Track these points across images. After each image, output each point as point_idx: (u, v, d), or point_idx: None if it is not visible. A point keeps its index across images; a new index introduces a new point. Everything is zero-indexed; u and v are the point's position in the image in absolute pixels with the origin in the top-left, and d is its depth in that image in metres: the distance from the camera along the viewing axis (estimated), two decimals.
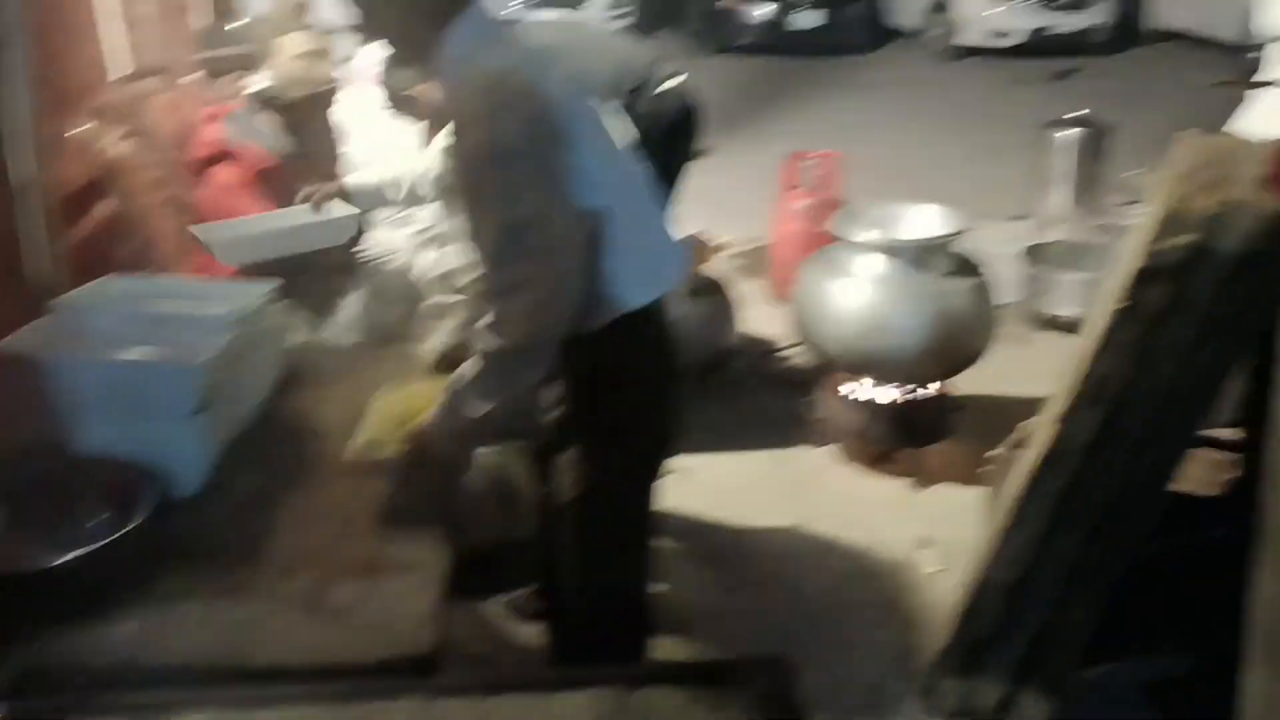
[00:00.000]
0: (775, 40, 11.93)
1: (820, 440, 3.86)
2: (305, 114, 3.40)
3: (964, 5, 12.01)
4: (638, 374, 2.04)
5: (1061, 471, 2.35)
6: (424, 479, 1.93)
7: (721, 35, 11.93)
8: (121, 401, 1.89)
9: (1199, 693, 2.50)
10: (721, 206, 5.86)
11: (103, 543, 1.69)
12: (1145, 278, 2.16)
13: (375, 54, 3.90)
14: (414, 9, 1.83)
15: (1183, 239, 2.11)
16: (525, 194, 1.74)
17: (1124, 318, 2.21)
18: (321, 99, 3.45)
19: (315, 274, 3.31)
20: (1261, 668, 2.12)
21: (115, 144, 3.35)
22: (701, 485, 3.55)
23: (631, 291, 1.95)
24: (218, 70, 4.24)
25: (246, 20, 5.12)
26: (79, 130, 3.21)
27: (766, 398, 4.24)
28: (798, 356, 4.26)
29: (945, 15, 12.23)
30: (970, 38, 12.00)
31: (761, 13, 11.93)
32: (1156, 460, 2.30)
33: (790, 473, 3.75)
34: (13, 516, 1.81)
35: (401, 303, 3.33)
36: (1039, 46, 11.83)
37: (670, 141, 3.59)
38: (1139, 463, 2.31)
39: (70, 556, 1.66)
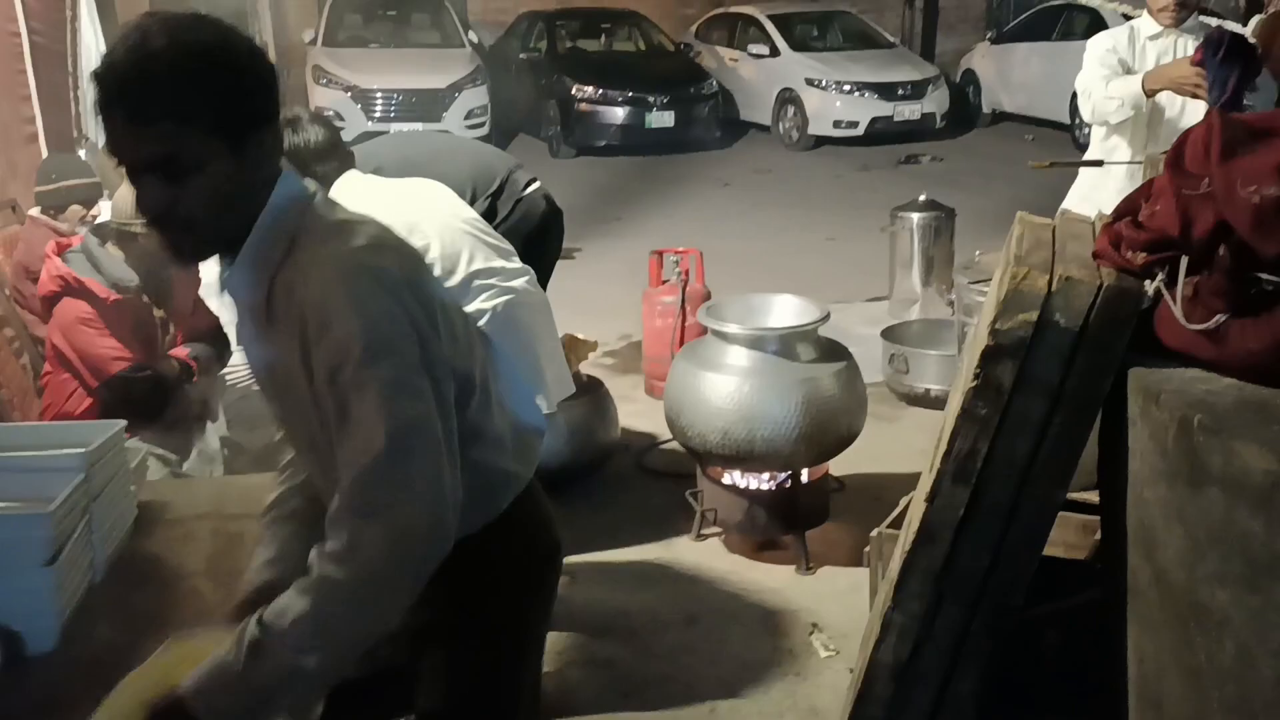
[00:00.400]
0: (633, 140, 12.24)
1: (705, 531, 3.87)
2: (152, 245, 3.31)
3: (811, 98, 12.56)
4: (524, 561, 1.81)
5: (936, 549, 2.40)
6: None
7: (580, 138, 12.19)
8: None
9: None
10: (591, 304, 5.93)
11: None
12: (991, 356, 2.25)
13: None
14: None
15: (1022, 317, 2.21)
16: (406, 390, 1.44)
17: (976, 395, 2.29)
18: None
19: (175, 407, 3.21)
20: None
21: None
22: (589, 585, 3.51)
23: (515, 474, 1.76)
24: (57, 203, 4.13)
25: (82, 151, 5.05)
26: None
27: (649, 492, 4.26)
28: (677, 448, 4.30)
29: (794, 109, 12.76)
30: (819, 128, 12.53)
31: (618, 115, 12.24)
32: (1026, 529, 2.37)
33: (678, 566, 3.74)
34: None
35: (265, 427, 3.25)
36: (884, 134, 12.42)
37: (535, 244, 3.64)
38: (1009, 533, 2.37)
39: None
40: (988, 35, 14.74)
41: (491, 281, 2.97)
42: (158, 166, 1.44)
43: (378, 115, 11.72)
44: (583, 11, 14.66)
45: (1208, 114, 2.42)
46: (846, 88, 12.54)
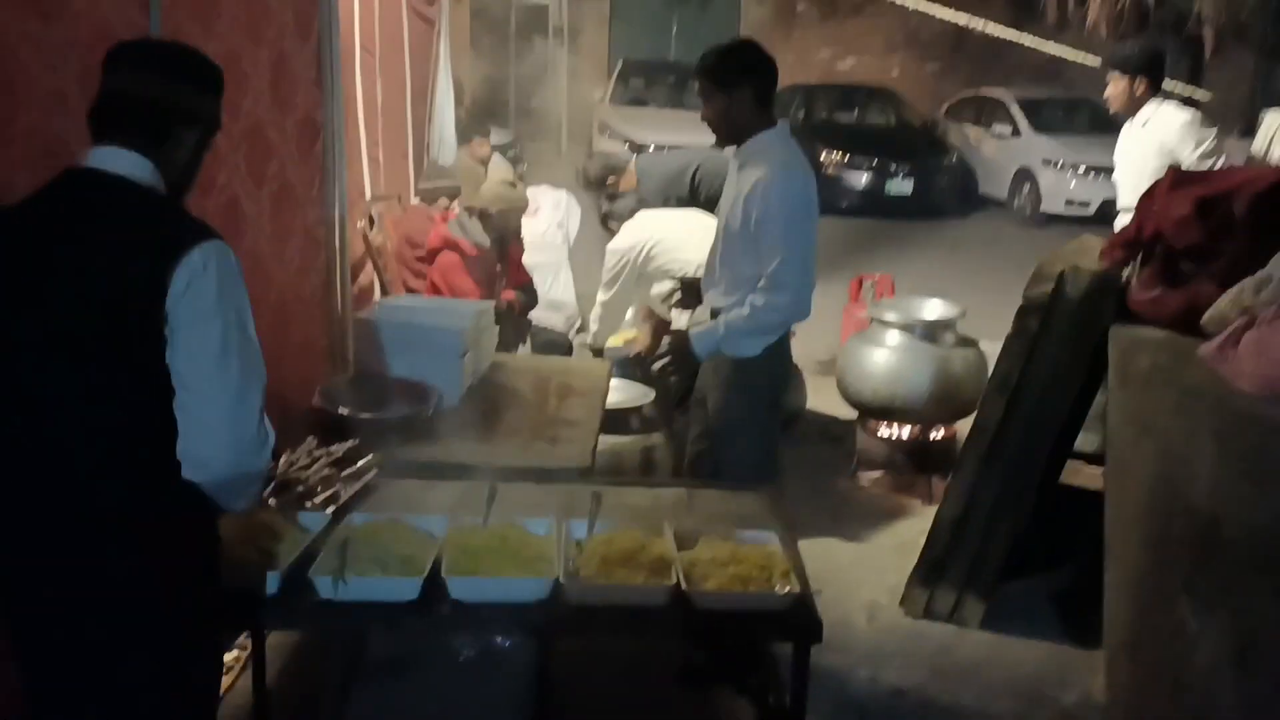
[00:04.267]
0: (874, 204, 13.48)
1: (859, 472, 5.14)
2: (502, 222, 4.99)
3: (1046, 177, 13.45)
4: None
5: (983, 438, 3.66)
6: None
7: (824, 199, 13.48)
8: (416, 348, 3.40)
9: (1084, 601, 3.68)
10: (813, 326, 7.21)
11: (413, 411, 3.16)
12: (1023, 312, 3.51)
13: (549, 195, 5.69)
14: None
15: (1042, 288, 3.47)
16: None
17: (1014, 336, 3.55)
18: (515, 213, 5.05)
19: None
20: (1109, 570, 3.33)
21: (375, 236, 4.99)
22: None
23: None
24: (430, 196, 5.93)
25: (448, 162, 6.90)
26: (359, 226, 4.86)
27: (822, 444, 5.55)
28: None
29: (1030, 186, 13.66)
30: (1052, 205, 13.38)
31: (861, 180, 13.53)
32: (1046, 427, 3.59)
33: (836, 498, 5.02)
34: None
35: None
36: (1115, 215, 13.09)
37: None
38: (1032, 431, 3.60)
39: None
40: (1230, 135, 15.12)
41: None
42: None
43: None
44: (840, 86, 16.13)
45: (1170, 168, 3.57)
46: (1081, 169, 13.33)
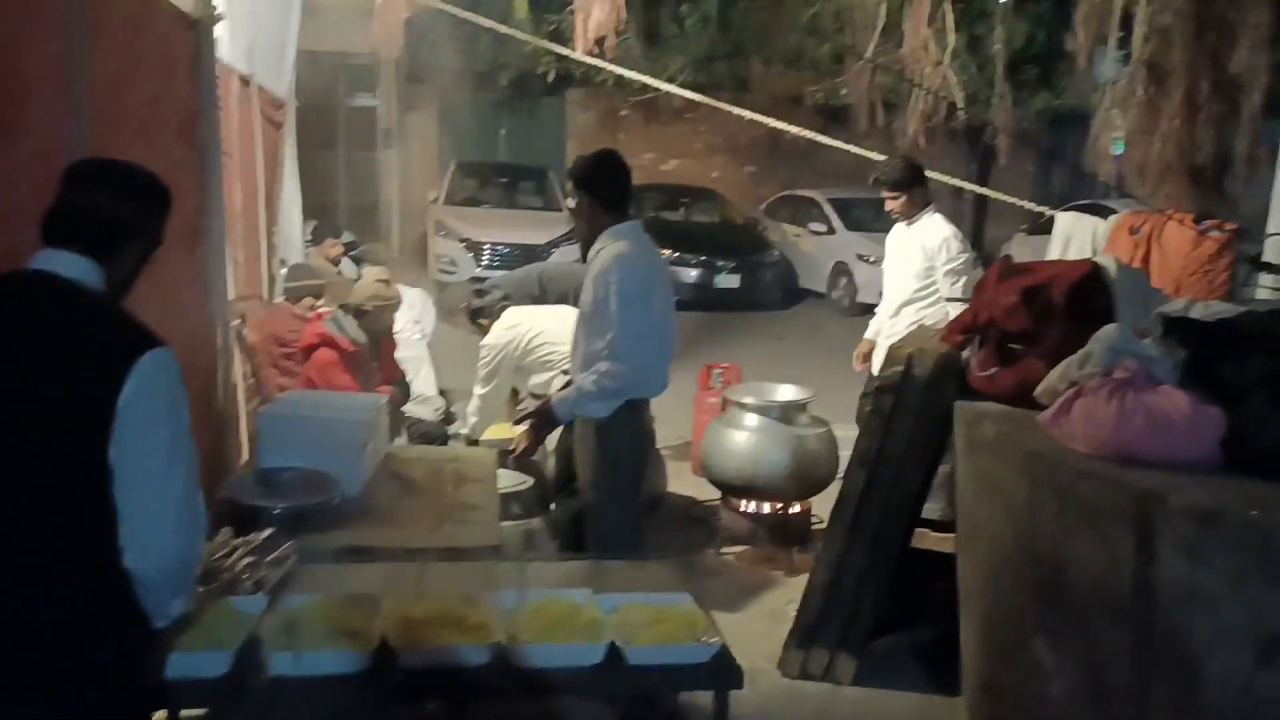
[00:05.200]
0: (704, 297, 14.12)
1: (723, 547, 5.44)
2: (377, 319, 5.14)
3: (861, 271, 14.40)
4: None
5: (847, 510, 4.01)
6: None
7: None
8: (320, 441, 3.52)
9: (944, 653, 4.04)
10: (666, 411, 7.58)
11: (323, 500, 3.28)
12: (878, 391, 3.91)
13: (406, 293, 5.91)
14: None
15: (895, 369, 3.88)
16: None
17: (871, 414, 3.95)
18: (389, 309, 5.21)
19: None
20: (963, 622, 3.70)
21: (247, 335, 5.06)
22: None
23: None
24: (295, 294, 6.01)
25: (304, 262, 6.99)
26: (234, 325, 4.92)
27: (687, 522, 5.84)
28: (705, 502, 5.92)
29: (847, 280, 14.60)
30: (869, 297, 14.30)
31: (690, 275, 14.18)
32: (900, 498, 3.97)
33: (704, 572, 5.29)
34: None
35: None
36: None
37: None
38: (891, 500, 3.97)
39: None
40: (1023, 227, 16.60)
41: None
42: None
43: (485, 263, 13.78)
44: (668, 187, 16.91)
45: (999, 259, 4.09)
46: None
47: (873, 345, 5.78)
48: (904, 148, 10.23)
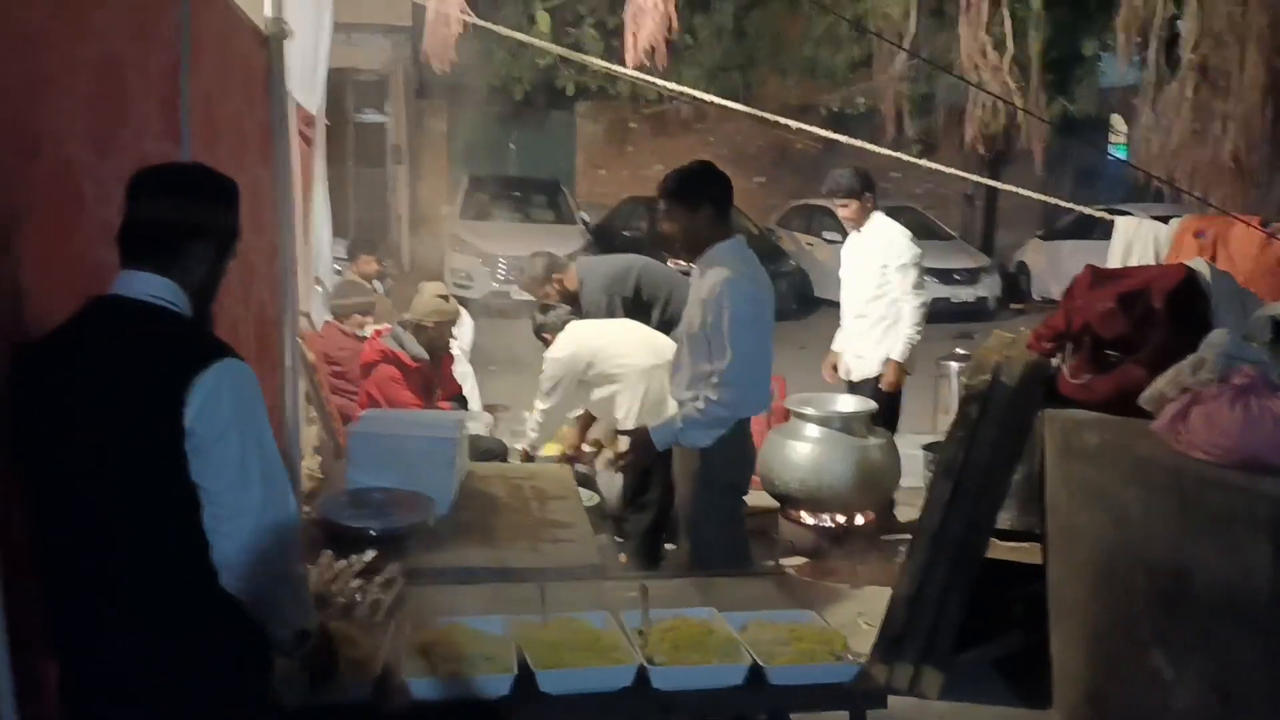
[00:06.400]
0: None
1: (782, 559, 5.39)
2: (436, 335, 5.09)
3: None
4: None
5: (932, 519, 3.96)
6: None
7: None
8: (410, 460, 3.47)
9: (1029, 665, 3.98)
10: None
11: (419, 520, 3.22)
12: (965, 401, 3.87)
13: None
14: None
15: (981, 378, 3.84)
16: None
17: (957, 424, 3.90)
18: (448, 325, 5.15)
19: None
20: (1056, 633, 3.66)
21: (308, 352, 5.01)
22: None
23: None
24: (344, 312, 5.96)
25: (352, 279, 6.95)
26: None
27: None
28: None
29: None
30: None
31: None
32: (986, 508, 3.92)
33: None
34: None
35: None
36: (943, 313, 14.12)
37: None
38: (976, 510, 3.93)
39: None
40: (1038, 232, 16.60)
41: None
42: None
43: (501, 278, 13.74)
44: None
45: (1086, 266, 4.03)
46: None
47: (838, 357, 5.94)
48: (966, 151, 10.38)
